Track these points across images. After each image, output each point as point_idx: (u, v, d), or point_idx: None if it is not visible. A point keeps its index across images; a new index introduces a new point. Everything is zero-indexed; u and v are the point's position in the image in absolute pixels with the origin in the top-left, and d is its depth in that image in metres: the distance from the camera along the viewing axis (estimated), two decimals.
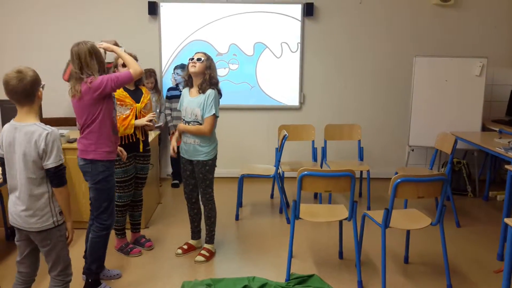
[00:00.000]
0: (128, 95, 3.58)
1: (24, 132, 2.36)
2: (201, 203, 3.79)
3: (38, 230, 2.43)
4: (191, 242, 3.92)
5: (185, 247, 3.86)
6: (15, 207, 2.43)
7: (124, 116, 3.56)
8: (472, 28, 5.85)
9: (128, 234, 3.95)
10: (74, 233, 2.59)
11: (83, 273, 3.25)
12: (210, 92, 3.49)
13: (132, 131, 3.62)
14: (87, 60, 2.94)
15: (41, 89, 2.42)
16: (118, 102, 3.52)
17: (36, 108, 2.43)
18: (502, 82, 5.93)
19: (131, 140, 3.63)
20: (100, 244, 3.20)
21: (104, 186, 3.10)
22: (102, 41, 3.17)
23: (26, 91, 2.34)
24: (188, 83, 3.63)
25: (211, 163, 3.64)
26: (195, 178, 3.70)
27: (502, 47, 5.90)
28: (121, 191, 3.68)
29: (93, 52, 2.97)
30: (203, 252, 3.75)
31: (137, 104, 3.63)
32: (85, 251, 3.34)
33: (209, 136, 3.56)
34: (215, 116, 3.50)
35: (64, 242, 2.53)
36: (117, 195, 3.64)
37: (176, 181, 5.76)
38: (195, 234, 3.94)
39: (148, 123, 3.64)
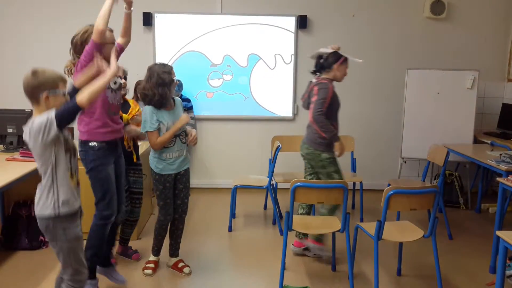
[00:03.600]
0: None
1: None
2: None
3: (38, 216, 2.46)
4: (173, 260, 3.76)
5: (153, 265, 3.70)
6: None
7: None
8: (464, 41, 5.92)
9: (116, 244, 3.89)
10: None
11: None
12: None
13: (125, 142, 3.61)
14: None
15: (47, 93, 2.36)
16: None
17: (42, 111, 2.37)
18: (494, 95, 6.00)
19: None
20: (97, 233, 3.17)
21: (95, 176, 3.09)
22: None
23: (28, 93, 2.38)
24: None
25: (155, 177, 3.46)
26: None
27: (493, 61, 5.97)
28: None
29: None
30: (147, 265, 3.64)
31: (124, 115, 3.61)
32: None
33: (155, 150, 3.42)
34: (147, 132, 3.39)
35: (72, 246, 2.48)
36: None
37: None
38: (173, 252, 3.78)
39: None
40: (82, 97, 2.36)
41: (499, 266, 2.75)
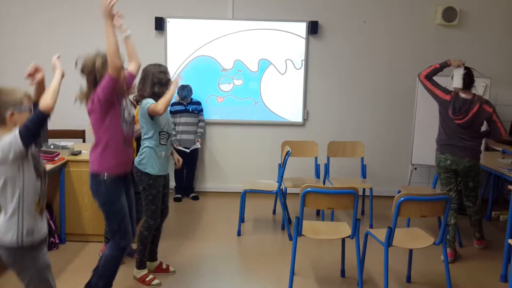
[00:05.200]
0: None
1: None
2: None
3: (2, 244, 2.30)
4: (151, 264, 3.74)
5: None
6: None
7: None
8: (476, 49, 5.89)
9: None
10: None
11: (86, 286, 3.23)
12: None
13: None
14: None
15: (12, 110, 2.26)
16: None
17: (9, 129, 2.25)
18: (505, 102, 5.95)
19: None
20: (112, 264, 3.14)
21: (109, 209, 3.08)
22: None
23: None
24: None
25: (148, 182, 3.41)
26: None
27: (505, 68, 5.94)
28: None
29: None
30: (147, 278, 3.53)
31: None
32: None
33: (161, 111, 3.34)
34: None
35: (43, 274, 2.38)
36: None
37: (179, 195, 5.76)
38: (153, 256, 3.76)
39: None
40: (44, 101, 2.22)
41: (510, 275, 2.73)
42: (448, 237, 4.06)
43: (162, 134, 3.39)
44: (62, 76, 2.47)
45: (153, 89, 3.33)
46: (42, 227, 2.41)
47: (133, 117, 3.25)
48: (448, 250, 4.02)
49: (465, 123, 4.01)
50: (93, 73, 2.96)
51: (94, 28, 5.76)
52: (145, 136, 3.39)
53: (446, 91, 4.15)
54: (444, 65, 4.22)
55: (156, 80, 3.33)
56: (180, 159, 3.82)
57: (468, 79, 4.07)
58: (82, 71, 3.01)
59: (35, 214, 2.36)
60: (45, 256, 2.43)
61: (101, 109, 2.97)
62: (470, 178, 4.15)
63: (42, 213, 2.43)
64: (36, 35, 5.84)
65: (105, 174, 3.04)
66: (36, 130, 2.23)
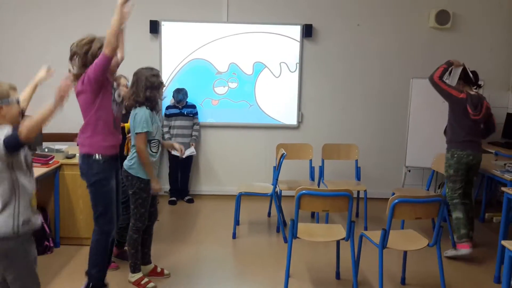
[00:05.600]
0: None
1: None
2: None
3: None
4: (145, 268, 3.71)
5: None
6: None
7: None
8: (469, 51, 5.92)
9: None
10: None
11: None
12: None
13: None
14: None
15: (0, 105, 2.27)
16: None
17: (2, 123, 2.29)
18: (498, 105, 5.99)
19: None
20: (99, 249, 3.16)
21: (98, 190, 3.08)
22: None
23: None
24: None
25: (139, 186, 3.39)
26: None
27: (498, 71, 5.99)
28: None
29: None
30: (143, 281, 3.51)
31: (126, 124, 3.62)
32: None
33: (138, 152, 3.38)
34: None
35: (31, 267, 2.41)
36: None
37: (173, 198, 5.76)
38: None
39: None
40: (21, 130, 2.21)
41: (504, 276, 2.75)
42: (464, 231, 4.14)
43: (153, 142, 3.39)
44: (62, 99, 2.38)
45: (145, 93, 3.33)
46: (36, 219, 2.47)
47: (123, 98, 3.26)
48: (466, 242, 4.12)
49: (481, 118, 4.19)
50: (86, 55, 3.00)
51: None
52: (135, 143, 3.38)
53: (458, 90, 4.25)
54: (449, 65, 4.36)
55: (148, 84, 3.33)
56: (182, 148, 3.67)
57: (474, 78, 4.32)
58: (74, 53, 3.04)
59: (32, 206, 2.41)
60: (35, 248, 2.48)
61: (92, 89, 2.98)
62: (476, 172, 4.35)
63: (36, 206, 2.49)
64: (44, 40, 5.81)
65: (98, 155, 3.06)
66: (15, 147, 2.24)
